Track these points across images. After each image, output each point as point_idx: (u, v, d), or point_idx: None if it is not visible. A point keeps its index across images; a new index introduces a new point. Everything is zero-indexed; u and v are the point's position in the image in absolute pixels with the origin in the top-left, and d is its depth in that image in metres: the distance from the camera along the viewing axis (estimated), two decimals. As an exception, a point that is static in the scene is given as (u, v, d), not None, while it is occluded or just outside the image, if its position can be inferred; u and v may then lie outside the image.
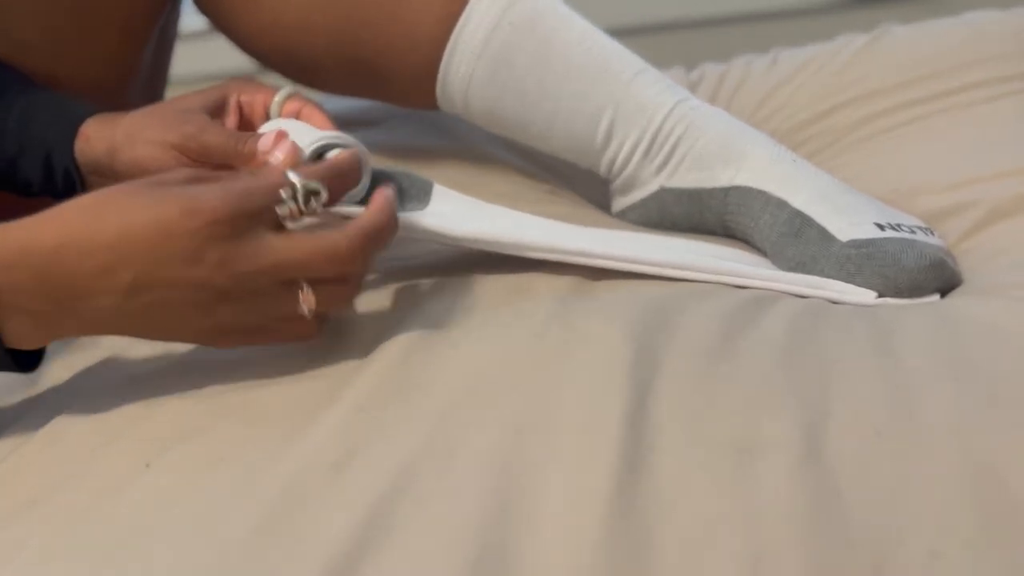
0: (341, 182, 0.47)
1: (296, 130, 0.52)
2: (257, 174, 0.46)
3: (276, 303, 0.43)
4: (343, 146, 0.51)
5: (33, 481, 0.44)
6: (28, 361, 0.47)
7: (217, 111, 0.56)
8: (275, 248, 0.42)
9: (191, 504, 0.39)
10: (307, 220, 0.44)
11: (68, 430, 0.47)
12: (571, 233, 0.54)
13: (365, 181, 0.51)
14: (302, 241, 0.43)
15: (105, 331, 0.44)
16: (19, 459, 0.46)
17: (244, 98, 0.56)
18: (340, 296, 0.45)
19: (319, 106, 0.56)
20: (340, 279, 0.44)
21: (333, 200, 0.46)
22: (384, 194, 0.47)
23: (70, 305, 0.41)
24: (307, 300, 0.43)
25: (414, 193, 0.53)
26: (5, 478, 0.45)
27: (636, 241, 0.57)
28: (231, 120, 0.57)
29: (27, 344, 0.44)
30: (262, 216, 0.42)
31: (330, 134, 0.51)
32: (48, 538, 0.40)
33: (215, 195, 0.41)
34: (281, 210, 0.43)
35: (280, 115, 0.55)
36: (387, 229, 0.46)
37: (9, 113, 0.60)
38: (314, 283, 0.43)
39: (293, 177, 0.43)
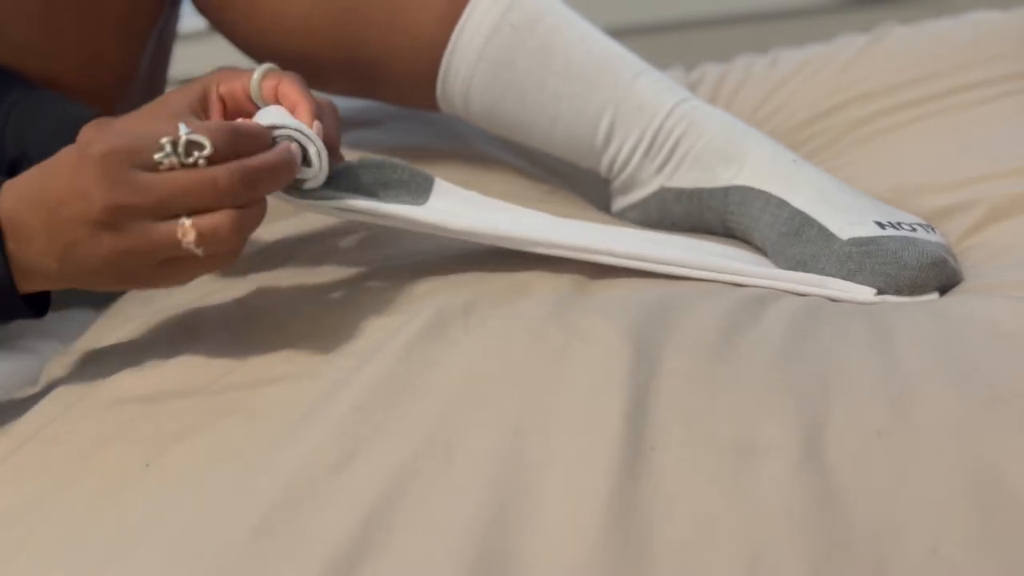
0: (246, 142, 0.46)
1: (265, 115, 0.51)
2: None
3: (160, 241, 0.44)
4: (294, 138, 0.51)
5: (33, 481, 0.44)
6: (37, 307, 0.49)
7: (201, 107, 0.56)
8: (151, 182, 0.43)
9: (191, 504, 0.39)
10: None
11: (68, 430, 0.47)
12: (571, 229, 0.54)
13: (319, 172, 0.51)
14: (179, 174, 0.43)
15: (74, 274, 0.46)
16: (20, 459, 0.46)
17: (223, 89, 0.56)
18: (223, 229, 0.44)
19: (296, 78, 0.55)
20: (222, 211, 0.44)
21: (229, 156, 0.45)
22: (287, 145, 0.49)
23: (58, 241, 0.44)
24: (187, 233, 0.43)
25: (414, 186, 0.53)
26: (6, 478, 0.45)
27: (636, 238, 0.57)
28: (215, 114, 0.56)
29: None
30: (139, 158, 0.43)
31: (286, 124, 0.50)
32: (49, 538, 0.40)
33: (103, 138, 0.43)
34: (159, 157, 0.43)
35: (260, 94, 0.55)
36: (276, 169, 0.46)
37: (9, 114, 0.61)
38: (195, 216, 0.44)
39: (181, 129, 0.44)
